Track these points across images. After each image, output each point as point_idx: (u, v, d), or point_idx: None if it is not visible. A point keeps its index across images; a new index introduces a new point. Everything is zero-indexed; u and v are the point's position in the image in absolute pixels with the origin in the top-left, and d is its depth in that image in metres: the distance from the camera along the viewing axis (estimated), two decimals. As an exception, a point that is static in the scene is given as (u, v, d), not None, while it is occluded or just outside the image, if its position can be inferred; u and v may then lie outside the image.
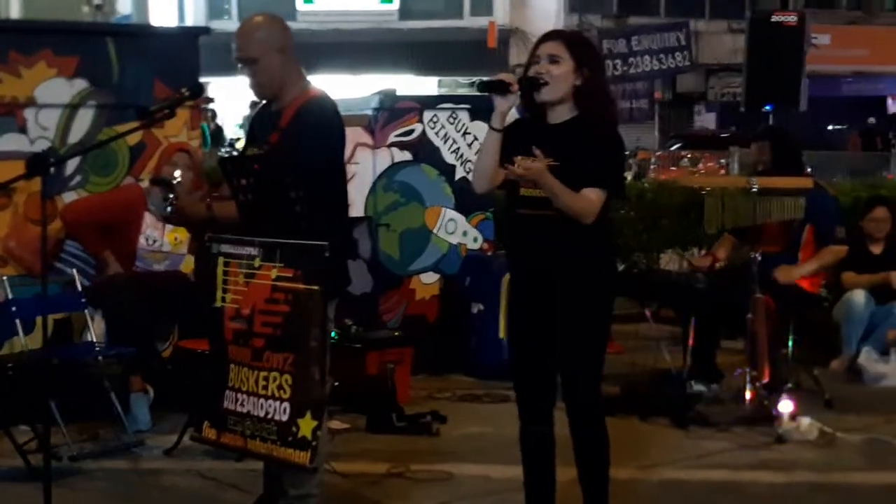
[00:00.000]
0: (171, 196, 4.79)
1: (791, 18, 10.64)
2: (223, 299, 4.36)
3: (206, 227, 4.68)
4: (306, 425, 4.11)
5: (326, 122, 4.49)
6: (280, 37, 4.57)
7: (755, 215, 6.44)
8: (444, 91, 21.95)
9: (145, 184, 6.71)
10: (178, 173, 5.43)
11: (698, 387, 6.72)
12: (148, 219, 6.53)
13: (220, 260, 4.38)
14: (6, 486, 5.51)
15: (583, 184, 4.12)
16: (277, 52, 4.51)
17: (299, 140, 4.39)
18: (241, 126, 20.57)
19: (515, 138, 4.30)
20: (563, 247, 4.18)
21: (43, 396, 5.28)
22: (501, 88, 4.15)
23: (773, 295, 6.71)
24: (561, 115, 4.26)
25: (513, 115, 4.33)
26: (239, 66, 4.55)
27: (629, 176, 18.83)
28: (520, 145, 4.23)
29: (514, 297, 4.50)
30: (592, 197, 4.13)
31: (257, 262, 4.26)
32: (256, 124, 4.75)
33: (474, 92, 4.96)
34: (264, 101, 4.72)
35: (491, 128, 4.21)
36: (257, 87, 4.56)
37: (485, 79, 4.20)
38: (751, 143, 7.35)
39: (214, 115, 22.25)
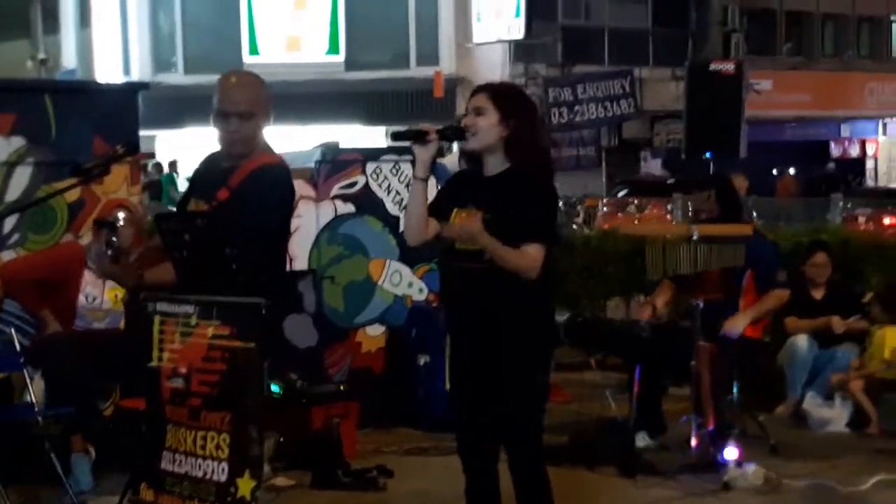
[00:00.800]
0: (114, 239, 4.78)
1: (729, 67, 10.80)
2: (160, 358, 4.32)
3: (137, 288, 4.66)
4: (245, 485, 4.07)
5: (279, 192, 4.52)
6: (268, 95, 4.62)
7: (696, 262, 6.49)
8: (392, 144, 22.02)
9: (85, 240, 6.64)
10: (122, 215, 5.38)
11: (644, 439, 6.73)
12: (88, 276, 6.46)
13: (157, 318, 4.35)
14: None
15: (520, 237, 4.15)
16: (265, 113, 4.55)
17: (249, 203, 4.40)
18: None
19: (455, 190, 4.37)
20: (499, 299, 4.19)
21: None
22: (418, 138, 4.19)
23: (717, 342, 6.74)
24: (494, 167, 4.31)
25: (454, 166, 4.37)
26: (221, 116, 4.53)
27: (578, 221, 19.01)
28: (458, 197, 4.31)
29: (452, 350, 4.50)
30: (535, 254, 4.17)
31: (193, 320, 4.23)
32: (201, 177, 4.74)
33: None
34: (212, 154, 4.72)
35: (415, 177, 4.25)
36: (239, 141, 4.55)
37: (400, 129, 4.24)
38: (692, 192, 7.38)
39: (160, 167, 22.17)
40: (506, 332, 4.21)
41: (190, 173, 5.06)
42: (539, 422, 4.36)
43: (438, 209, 4.35)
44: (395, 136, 4.26)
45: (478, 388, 4.29)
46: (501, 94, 4.34)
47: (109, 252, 4.80)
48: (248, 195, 4.46)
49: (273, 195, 4.54)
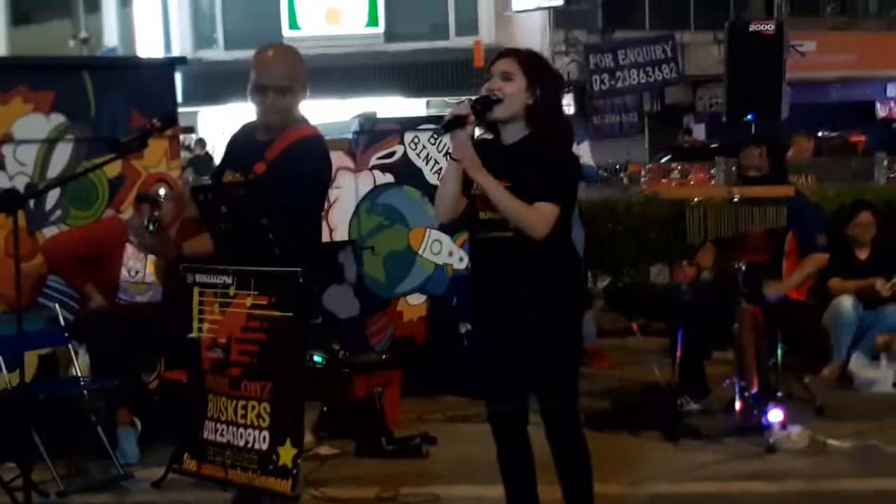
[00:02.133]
0: (156, 213, 4.81)
1: (769, 27, 10.63)
2: (199, 329, 4.34)
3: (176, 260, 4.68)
4: (286, 453, 4.10)
5: (317, 164, 4.52)
6: (304, 68, 4.63)
7: (737, 225, 6.44)
8: (432, 112, 22.00)
9: (126, 216, 6.69)
10: (162, 191, 5.40)
11: (688, 402, 6.70)
12: (130, 250, 6.51)
13: (196, 290, 4.37)
14: (-8, 524, 5.48)
15: (534, 196, 4.07)
16: (302, 87, 4.56)
17: (287, 176, 4.40)
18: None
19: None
20: (524, 267, 4.13)
21: (27, 433, 5.25)
22: (460, 123, 4.09)
23: (760, 304, 6.69)
24: (513, 134, 4.22)
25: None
26: (258, 90, 4.53)
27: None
28: (486, 164, 4.20)
29: (478, 320, 4.45)
30: (545, 210, 4.06)
31: (232, 291, 4.25)
32: (236, 149, 4.74)
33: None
34: (246, 126, 4.73)
35: (451, 158, 4.17)
36: (276, 115, 4.54)
37: (445, 119, 4.13)
38: (742, 149, 7.27)
39: (203, 143, 22.28)
40: (533, 300, 4.15)
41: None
42: (573, 387, 4.31)
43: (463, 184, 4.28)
44: (446, 129, 4.11)
45: (508, 357, 4.25)
46: (529, 60, 4.23)
47: (150, 226, 4.82)
48: (286, 168, 4.46)
49: (311, 168, 4.54)
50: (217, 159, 6.23)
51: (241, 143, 4.74)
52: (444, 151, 8.07)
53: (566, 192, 4.20)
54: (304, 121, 4.66)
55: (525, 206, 4.05)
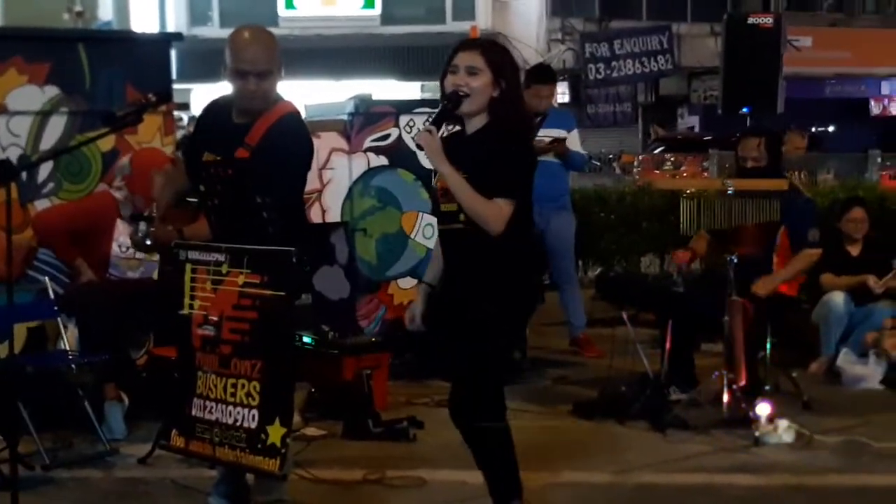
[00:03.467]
0: (152, 229, 4.78)
1: (767, 21, 10.63)
2: (191, 306, 4.33)
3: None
4: (275, 432, 4.09)
5: (302, 141, 4.52)
6: (279, 51, 4.61)
7: (731, 217, 6.44)
8: (427, 96, 21.95)
9: (119, 194, 6.63)
10: (153, 207, 5.33)
11: (675, 392, 6.70)
12: (120, 226, 6.48)
13: (188, 266, 4.36)
14: (-24, 495, 5.46)
15: (491, 192, 4.07)
16: (279, 68, 4.57)
17: (277, 159, 4.38)
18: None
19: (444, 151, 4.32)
20: (471, 258, 4.15)
21: (13, 405, 5.23)
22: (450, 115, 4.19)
23: (751, 298, 6.70)
24: (474, 125, 4.23)
25: None
26: (238, 75, 4.50)
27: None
28: (449, 157, 4.22)
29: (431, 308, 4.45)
30: (502, 206, 4.08)
31: (224, 269, 4.24)
32: (212, 129, 4.68)
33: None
34: (216, 105, 4.71)
35: (417, 146, 4.30)
36: (258, 98, 4.51)
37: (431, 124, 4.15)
38: (741, 140, 7.25)
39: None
40: (474, 291, 4.16)
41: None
42: (487, 380, 4.29)
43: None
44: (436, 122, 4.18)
45: (443, 345, 4.31)
46: (493, 53, 4.22)
47: (147, 241, 4.81)
48: (272, 153, 4.43)
49: (296, 146, 4.53)
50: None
51: (216, 125, 4.67)
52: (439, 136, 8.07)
53: (520, 186, 4.18)
54: (279, 98, 4.63)
55: (483, 200, 4.07)
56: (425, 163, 7.98)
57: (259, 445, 4.10)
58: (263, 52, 4.52)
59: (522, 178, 4.19)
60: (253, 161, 4.41)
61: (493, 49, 4.27)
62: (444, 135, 4.30)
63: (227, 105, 4.66)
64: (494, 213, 4.06)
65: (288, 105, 4.61)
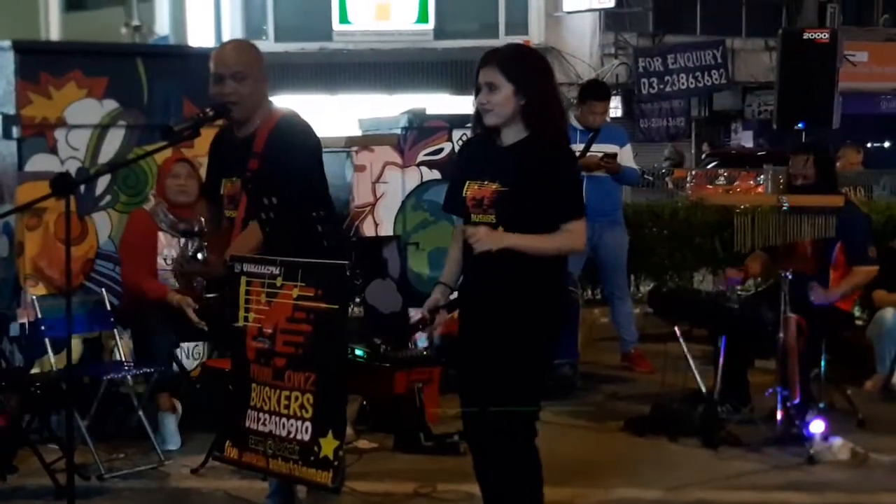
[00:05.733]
0: (205, 244, 4.83)
1: (823, 35, 10.54)
2: (245, 318, 4.36)
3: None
4: (328, 445, 4.11)
5: (305, 135, 4.60)
6: (261, 59, 4.79)
7: (786, 234, 6.40)
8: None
9: (148, 206, 6.68)
10: (203, 220, 5.38)
11: (729, 408, 6.65)
12: (162, 238, 6.52)
13: (243, 279, 4.39)
14: (33, 504, 5.54)
15: (560, 216, 4.07)
16: (259, 73, 4.70)
17: (285, 159, 4.48)
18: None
19: (468, 160, 4.31)
20: (506, 275, 4.09)
21: (70, 415, 5.29)
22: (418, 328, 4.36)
23: (805, 314, 6.64)
24: (511, 136, 4.18)
25: None
26: (216, 79, 4.70)
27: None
28: (470, 169, 4.22)
29: (460, 323, 4.40)
30: (579, 229, 4.10)
31: (279, 282, 4.26)
32: (223, 155, 4.78)
33: None
34: (223, 130, 4.78)
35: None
36: (237, 104, 4.63)
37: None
38: (790, 157, 7.21)
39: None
40: (506, 307, 4.11)
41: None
42: (520, 402, 4.18)
43: (456, 183, 4.28)
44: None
45: (475, 361, 4.22)
46: (511, 63, 4.14)
47: (198, 255, 4.86)
48: (278, 153, 4.56)
49: (300, 141, 4.64)
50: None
51: (225, 148, 4.81)
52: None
53: (582, 200, 4.19)
54: (274, 106, 4.76)
55: (554, 238, 4.05)
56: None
57: (312, 458, 4.12)
58: (237, 55, 4.73)
59: (580, 191, 4.21)
60: (263, 167, 4.52)
61: (512, 59, 4.18)
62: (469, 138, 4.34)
63: (229, 126, 4.85)
64: (575, 240, 4.10)
65: (285, 109, 4.74)
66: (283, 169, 4.47)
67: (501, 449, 4.23)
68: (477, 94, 4.17)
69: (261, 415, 4.28)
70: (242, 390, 4.36)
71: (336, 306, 4.11)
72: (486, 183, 4.12)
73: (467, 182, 4.17)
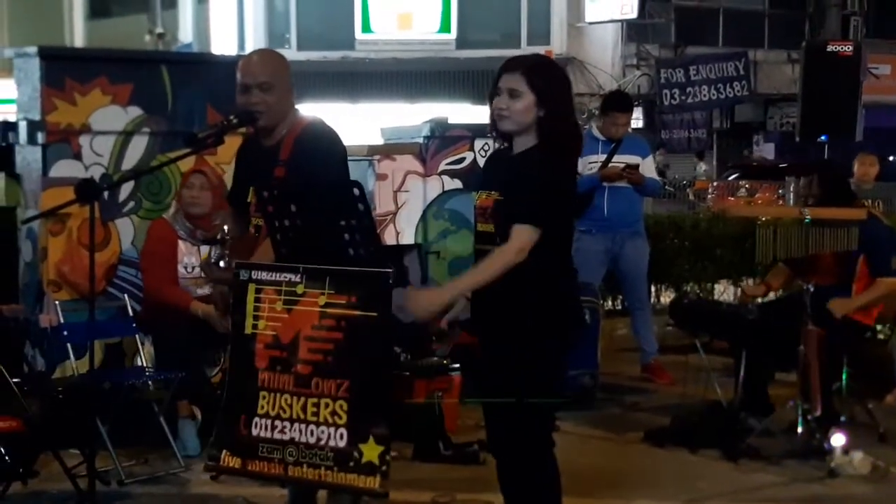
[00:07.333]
0: (227, 252, 4.83)
1: (847, 48, 10.53)
2: (254, 326, 4.32)
3: None
4: (371, 451, 4.08)
5: (326, 147, 4.59)
6: (287, 69, 4.78)
7: (808, 246, 6.38)
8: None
9: (167, 216, 6.72)
10: (226, 227, 5.41)
11: (750, 420, 6.63)
12: (182, 246, 6.54)
13: (251, 287, 4.34)
14: (54, 509, 5.56)
15: (513, 218, 3.99)
16: (286, 82, 4.70)
17: (305, 170, 4.49)
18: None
19: (485, 170, 4.37)
20: (496, 287, 4.03)
21: (91, 420, 5.32)
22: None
23: (827, 327, 6.62)
24: (521, 145, 4.14)
25: None
26: (243, 89, 4.67)
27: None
28: (485, 177, 4.26)
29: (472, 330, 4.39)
30: (520, 236, 3.96)
31: (300, 289, 4.23)
32: (251, 161, 4.79)
33: None
34: (250, 138, 4.80)
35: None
36: (264, 112, 4.64)
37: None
38: (800, 176, 7.23)
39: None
40: (506, 313, 4.10)
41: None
42: (523, 421, 4.18)
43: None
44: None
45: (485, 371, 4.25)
46: (536, 73, 4.08)
47: (222, 262, 4.87)
48: (304, 159, 4.57)
49: (330, 150, 4.64)
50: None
51: (251, 157, 4.81)
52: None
53: (548, 212, 4.01)
54: (299, 114, 4.77)
55: (492, 258, 4.00)
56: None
57: (351, 463, 4.08)
58: (263, 67, 4.69)
59: (544, 201, 4.00)
60: (289, 174, 4.55)
61: (536, 69, 4.12)
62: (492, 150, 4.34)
63: (255, 135, 4.83)
64: (510, 253, 3.96)
65: (311, 117, 4.75)
66: (309, 176, 4.47)
67: (518, 458, 4.23)
68: (492, 99, 4.14)
69: (276, 422, 4.23)
70: (246, 398, 4.31)
71: (374, 314, 4.10)
72: (491, 193, 4.13)
73: (479, 192, 4.19)
